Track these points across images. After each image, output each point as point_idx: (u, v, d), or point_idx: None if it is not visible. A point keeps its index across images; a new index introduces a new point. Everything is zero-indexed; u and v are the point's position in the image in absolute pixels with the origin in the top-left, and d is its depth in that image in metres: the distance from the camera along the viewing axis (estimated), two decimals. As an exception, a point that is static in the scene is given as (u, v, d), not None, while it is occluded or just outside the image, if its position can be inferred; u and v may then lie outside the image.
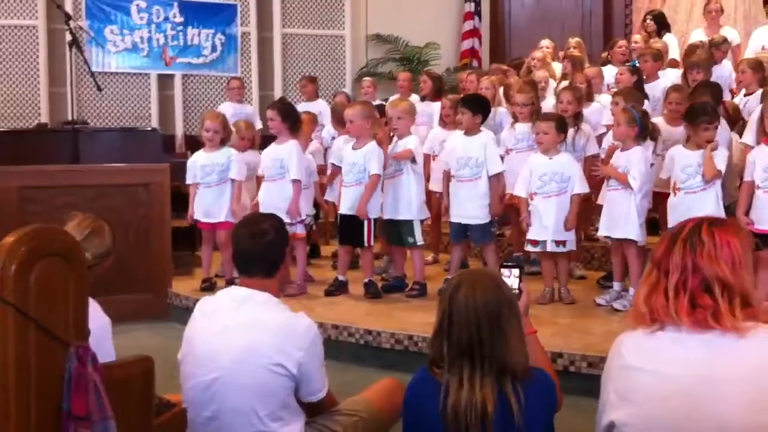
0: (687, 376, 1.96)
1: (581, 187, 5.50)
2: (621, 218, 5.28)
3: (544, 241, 5.51)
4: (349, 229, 5.82)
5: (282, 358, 2.66)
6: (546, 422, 2.36)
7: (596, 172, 5.51)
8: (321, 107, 8.67)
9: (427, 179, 6.39)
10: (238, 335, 2.69)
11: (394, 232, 5.93)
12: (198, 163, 6.14)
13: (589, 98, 6.68)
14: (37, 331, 2.07)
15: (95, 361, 2.20)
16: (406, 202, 5.82)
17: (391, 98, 7.49)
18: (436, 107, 7.36)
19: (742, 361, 1.95)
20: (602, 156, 5.81)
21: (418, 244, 5.89)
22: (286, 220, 5.68)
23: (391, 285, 5.99)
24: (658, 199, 5.48)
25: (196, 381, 2.75)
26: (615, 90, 6.55)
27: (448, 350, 2.32)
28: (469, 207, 5.79)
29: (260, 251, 2.83)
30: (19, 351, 2.05)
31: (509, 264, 2.91)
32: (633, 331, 2.10)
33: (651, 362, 2.02)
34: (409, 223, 5.82)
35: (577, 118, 6.11)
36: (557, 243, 5.50)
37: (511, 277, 2.81)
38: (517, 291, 2.76)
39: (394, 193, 5.82)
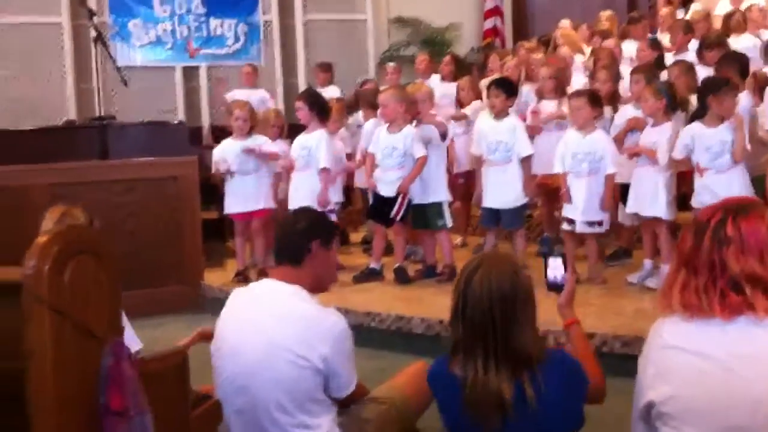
0: (724, 354, 1.97)
1: (615, 166, 5.42)
2: (648, 196, 5.21)
3: (574, 221, 5.47)
4: (386, 210, 5.77)
5: (306, 352, 2.66)
6: (569, 404, 2.35)
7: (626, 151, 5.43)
8: (335, 93, 8.72)
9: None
10: (264, 328, 2.70)
11: (421, 216, 5.91)
12: (231, 152, 6.10)
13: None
14: (73, 328, 2.11)
15: (131, 357, 2.23)
16: (434, 185, 5.80)
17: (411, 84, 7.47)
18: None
19: None
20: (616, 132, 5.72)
21: (448, 226, 5.88)
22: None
23: (423, 274, 5.95)
24: (686, 176, 5.41)
25: (226, 375, 2.77)
26: (635, 66, 6.45)
27: (463, 333, 2.36)
28: (501, 191, 5.76)
29: (287, 239, 2.88)
30: (56, 348, 2.08)
31: (554, 254, 2.92)
32: (671, 315, 2.09)
33: (689, 343, 2.02)
34: (438, 206, 5.81)
35: (614, 98, 6.03)
36: (590, 224, 5.43)
37: (556, 268, 2.81)
38: (561, 280, 2.80)
39: (420, 177, 5.78)
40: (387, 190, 5.75)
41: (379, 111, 6.01)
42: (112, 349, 2.18)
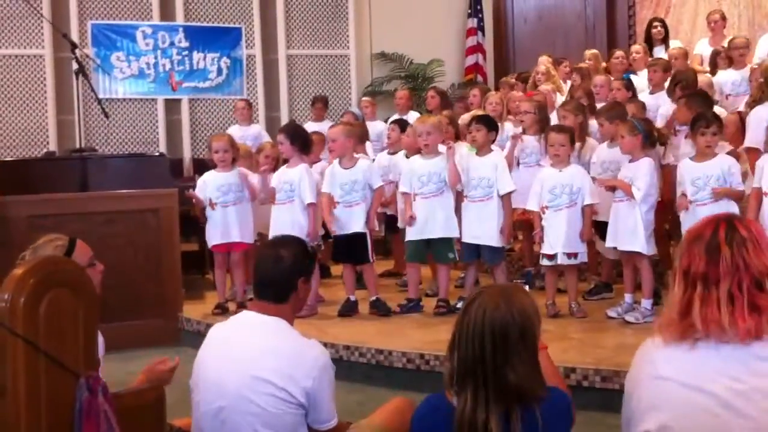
0: (724, 390, 1.96)
1: (592, 198, 5.49)
2: (628, 231, 5.26)
3: (555, 254, 5.50)
4: (350, 247, 5.88)
5: (289, 386, 2.64)
6: None
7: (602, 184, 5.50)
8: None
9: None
10: (245, 361, 2.67)
11: (424, 250, 5.91)
12: (212, 184, 6.13)
13: (592, 111, 6.69)
14: (48, 362, 2.08)
15: (106, 391, 2.20)
16: (446, 219, 5.81)
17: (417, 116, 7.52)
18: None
19: None
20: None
21: (456, 259, 5.94)
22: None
23: (408, 308, 5.93)
24: (666, 210, 5.47)
25: (205, 409, 2.74)
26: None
27: (457, 365, 2.31)
28: (482, 227, 5.77)
29: (272, 277, 2.83)
30: (29, 382, 2.05)
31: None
32: (665, 346, 2.07)
33: (687, 375, 2.00)
34: (449, 241, 5.81)
35: (582, 130, 6.12)
36: (568, 255, 5.48)
37: None
38: None
39: (434, 211, 5.80)
40: (351, 226, 5.82)
41: (327, 145, 6.06)
42: (88, 384, 2.15)
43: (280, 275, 2.82)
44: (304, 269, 2.88)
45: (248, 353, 2.69)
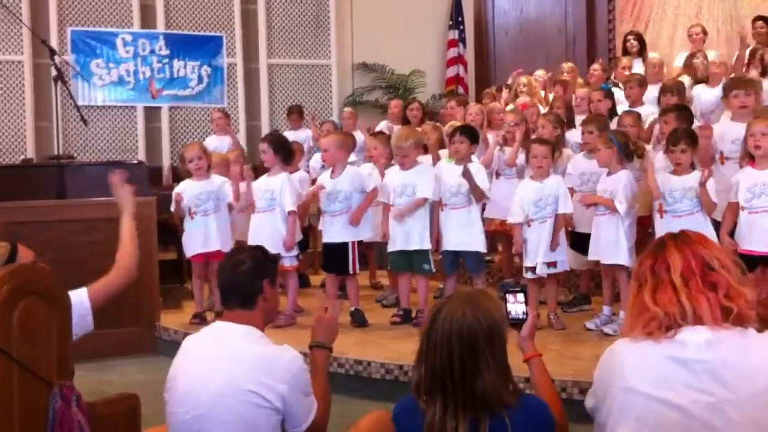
0: (690, 402, 1.98)
1: (566, 206, 5.52)
2: (610, 244, 5.28)
3: (536, 266, 5.51)
4: (334, 257, 5.86)
5: (264, 392, 2.62)
6: None
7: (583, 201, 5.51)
8: (307, 136, 8.77)
9: None
10: (219, 371, 2.65)
11: (404, 260, 5.90)
12: (190, 193, 6.09)
13: (571, 123, 6.72)
14: (21, 371, 2.05)
15: (79, 400, 2.17)
16: (422, 231, 5.82)
17: (395, 129, 7.53)
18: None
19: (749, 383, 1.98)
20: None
21: (433, 271, 5.93)
22: (281, 252, 5.71)
23: (402, 319, 5.89)
24: (639, 223, 5.49)
25: (180, 419, 2.71)
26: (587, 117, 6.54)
27: (425, 375, 2.30)
28: (467, 233, 5.78)
29: (235, 282, 2.81)
30: (2, 391, 2.03)
31: (514, 289, 2.92)
32: (633, 351, 2.09)
33: (655, 386, 2.02)
34: (425, 252, 5.82)
35: (559, 142, 6.16)
36: (548, 264, 5.49)
37: (516, 303, 2.81)
38: (522, 316, 2.79)
39: (413, 223, 5.80)
40: (334, 236, 5.81)
41: (320, 155, 6.03)
42: (61, 393, 2.13)
43: (242, 280, 2.80)
44: (266, 272, 2.86)
45: (221, 363, 2.67)
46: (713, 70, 7.27)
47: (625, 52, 8.92)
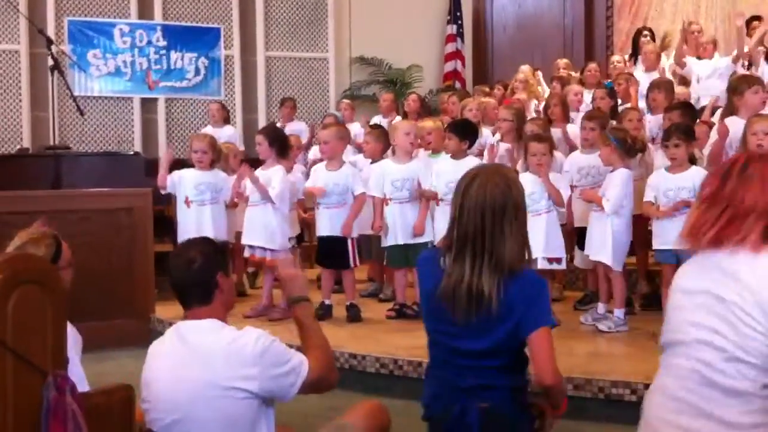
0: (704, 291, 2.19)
1: (564, 190, 5.52)
2: (599, 241, 5.27)
3: (536, 259, 5.48)
4: (332, 251, 5.83)
5: (240, 383, 2.57)
6: (524, 309, 2.59)
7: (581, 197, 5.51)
8: (300, 128, 8.79)
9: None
10: (192, 372, 2.60)
11: (403, 255, 5.87)
12: (190, 182, 6.07)
13: (567, 119, 6.72)
14: (15, 360, 2.05)
15: (74, 390, 2.17)
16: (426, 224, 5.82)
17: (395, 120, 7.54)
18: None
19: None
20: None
21: None
22: (270, 246, 5.71)
23: (397, 313, 5.87)
24: (635, 222, 5.48)
25: (160, 425, 2.65)
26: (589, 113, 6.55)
27: (456, 239, 2.63)
28: None
29: (189, 281, 2.73)
30: (-5, 381, 2.02)
31: None
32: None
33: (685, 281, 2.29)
34: (424, 246, 5.75)
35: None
36: (550, 260, 5.47)
37: None
38: None
39: (407, 216, 5.80)
40: (329, 229, 5.79)
41: (318, 147, 6.01)
42: (56, 382, 2.12)
43: (196, 278, 2.72)
44: (218, 264, 2.77)
45: (192, 363, 2.61)
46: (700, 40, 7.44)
47: (635, 48, 8.81)
